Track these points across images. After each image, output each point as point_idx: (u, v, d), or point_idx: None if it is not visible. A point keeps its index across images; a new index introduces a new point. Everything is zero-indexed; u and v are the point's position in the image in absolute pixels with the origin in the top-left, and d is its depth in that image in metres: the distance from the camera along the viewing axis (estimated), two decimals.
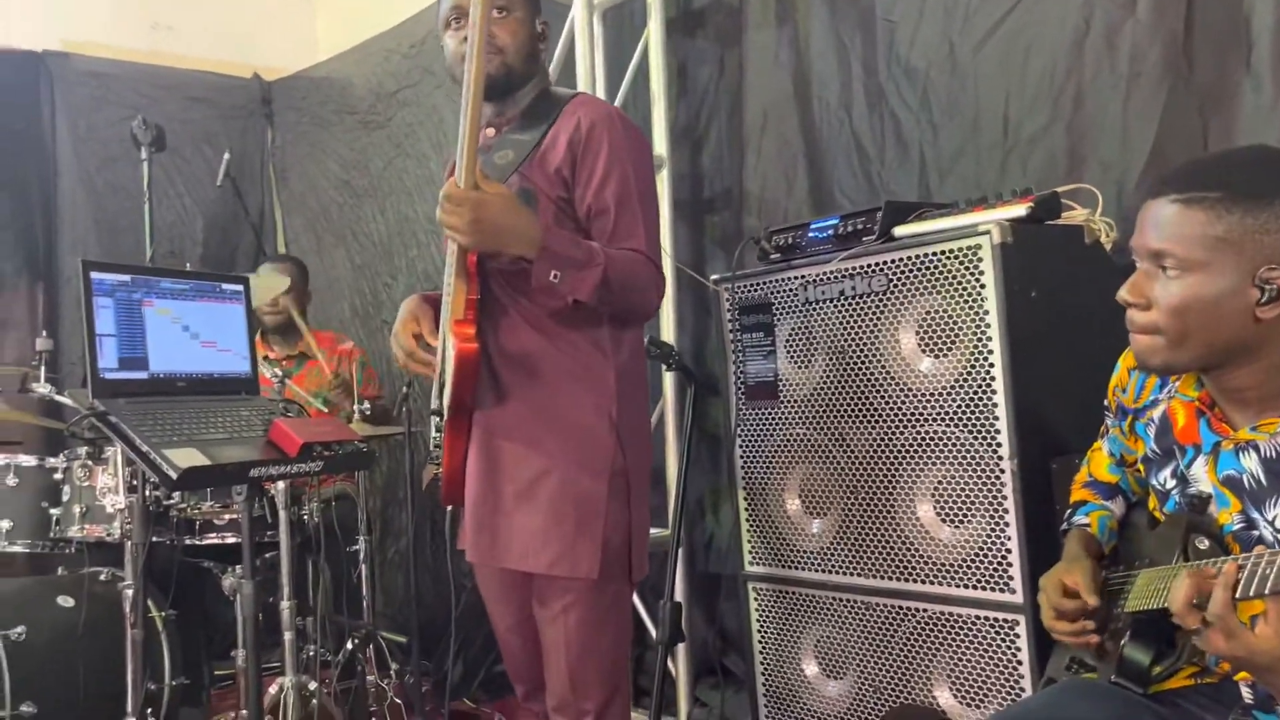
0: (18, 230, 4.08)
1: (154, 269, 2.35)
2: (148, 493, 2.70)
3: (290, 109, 4.56)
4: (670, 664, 2.83)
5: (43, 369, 2.82)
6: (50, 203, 4.12)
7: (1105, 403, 1.57)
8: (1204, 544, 1.28)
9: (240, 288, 2.44)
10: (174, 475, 1.90)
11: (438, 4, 1.99)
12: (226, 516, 3.05)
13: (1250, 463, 1.28)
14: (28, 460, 3.00)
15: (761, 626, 2.41)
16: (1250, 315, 1.19)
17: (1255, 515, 1.27)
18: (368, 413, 3.36)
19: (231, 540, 3.03)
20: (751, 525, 2.41)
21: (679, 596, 2.68)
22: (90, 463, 2.94)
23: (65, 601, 2.82)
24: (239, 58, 4.41)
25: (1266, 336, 1.22)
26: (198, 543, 3.08)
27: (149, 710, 2.69)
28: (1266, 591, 1.04)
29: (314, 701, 2.90)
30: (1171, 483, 1.40)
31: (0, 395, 3.12)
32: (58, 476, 2.96)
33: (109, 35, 4.26)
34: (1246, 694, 1.31)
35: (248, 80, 4.26)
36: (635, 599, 2.50)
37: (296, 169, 4.56)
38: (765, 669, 2.40)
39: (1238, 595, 1.06)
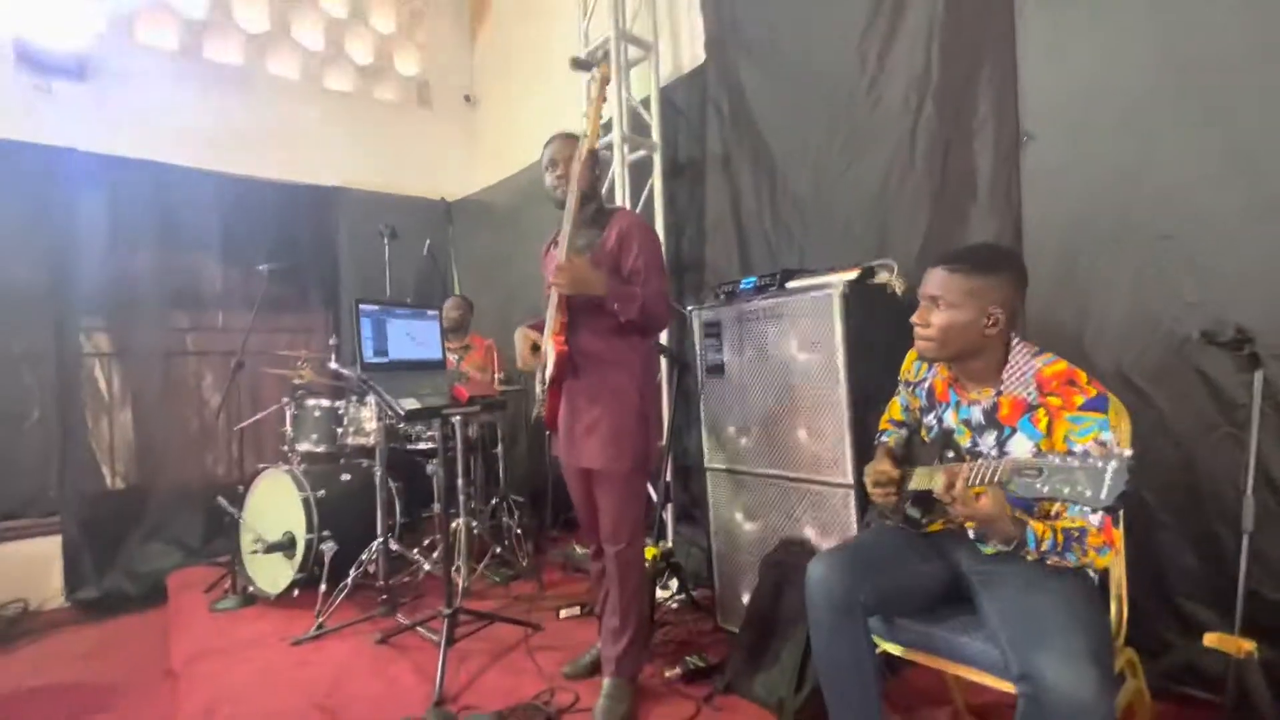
0: (320, 282, 4.24)
1: (391, 301, 2.48)
2: (387, 421, 2.84)
3: (461, 215, 4.66)
4: (664, 513, 2.90)
5: (333, 354, 2.95)
6: (335, 266, 4.25)
7: (898, 377, 1.59)
8: (950, 455, 1.34)
9: (436, 313, 2.53)
10: (403, 412, 2.08)
11: (541, 156, 1.99)
12: (428, 433, 3.18)
13: (975, 412, 1.35)
14: (325, 402, 3.12)
15: (714, 494, 2.38)
16: (981, 332, 1.29)
17: (978, 440, 1.34)
18: (503, 379, 3.48)
19: (430, 446, 3.16)
20: (709, 440, 2.39)
21: (668, 478, 2.78)
22: (358, 404, 3.07)
23: (346, 476, 2.97)
24: (433, 189, 4.51)
25: (987, 344, 1.30)
26: (413, 447, 3.21)
27: (389, 534, 2.79)
28: (983, 481, 1.12)
29: (475, 531, 3.08)
30: (933, 423, 1.44)
31: (310, 367, 3.20)
32: (340, 412, 3.08)
33: (364, 177, 4.40)
34: (971, 534, 1.36)
35: (438, 200, 4.42)
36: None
37: (465, 248, 4.65)
38: (715, 516, 2.38)
39: (969, 483, 1.14)
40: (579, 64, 2.43)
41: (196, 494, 3.61)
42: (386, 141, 4.59)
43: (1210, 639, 1.46)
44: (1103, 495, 0.90)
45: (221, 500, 2.90)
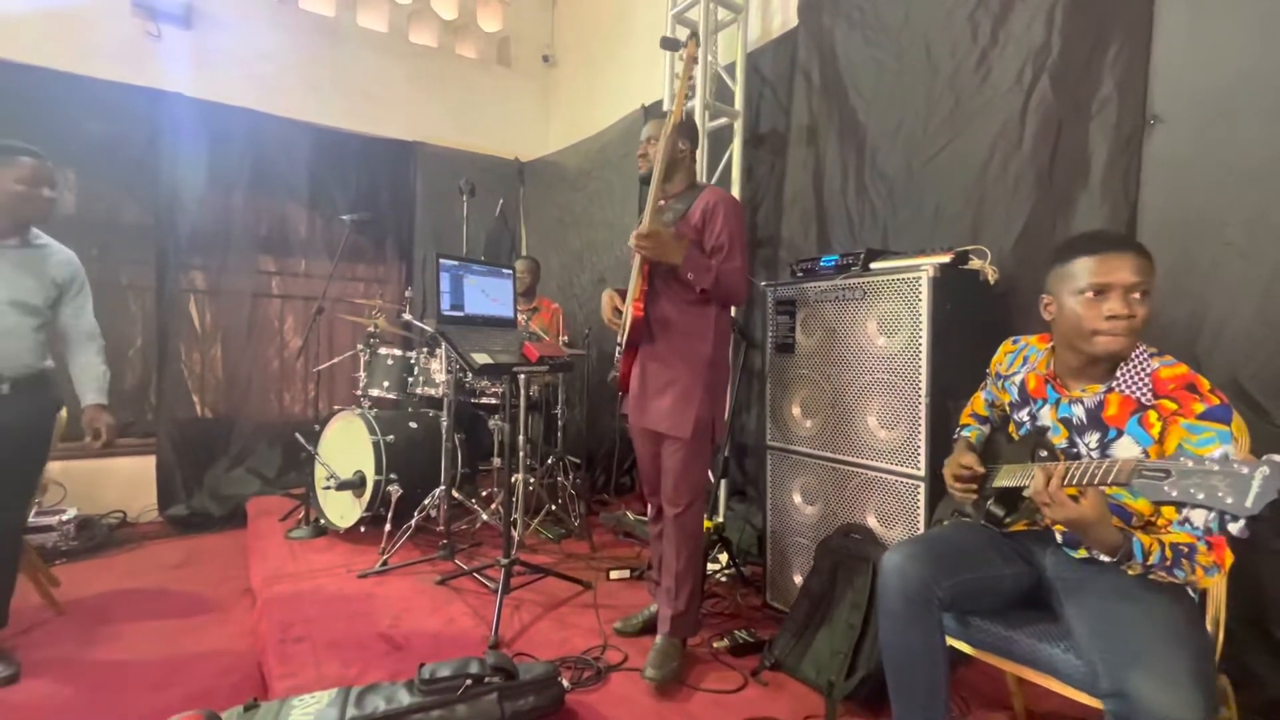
0: (396, 236, 4.31)
1: (468, 258, 2.51)
2: (457, 374, 2.90)
3: (533, 176, 4.54)
4: (719, 489, 2.87)
5: (407, 306, 3.04)
6: (412, 220, 4.31)
7: (987, 370, 1.52)
8: (1044, 454, 1.27)
9: (511, 271, 2.55)
10: (476, 366, 2.13)
11: (641, 127, 2.02)
12: (492, 389, 3.22)
13: (1077, 410, 1.26)
14: (397, 352, 3.21)
15: (772, 474, 2.33)
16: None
17: (1076, 440, 1.26)
18: (566, 342, 3.50)
19: (494, 401, 3.22)
20: (772, 420, 2.33)
21: (725, 453, 2.76)
22: (429, 355, 3.14)
23: (413, 424, 3.06)
24: (507, 148, 4.50)
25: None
26: (479, 401, 3.27)
27: (451, 483, 2.86)
28: (1095, 481, 1.06)
29: (531, 487, 3.13)
30: (1025, 419, 1.37)
31: (384, 317, 3.28)
32: (411, 362, 3.17)
33: (443, 133, 4.44)
34: (1059, 536, 1.30)
35: (512, 160, 4.40)
36: None
37: (535, 209, 4.57)
38: (772, 495, 2.34)
39: (1070, 482, 1.08)
40: (668, 43, 2.38)
41: (275, 428, 3.83)
42: (465, 98, 4.62)
43: None
44: (1248, 503, 0.84)
45: (299, 436, 3.05)
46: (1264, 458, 0.85)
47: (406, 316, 2.98)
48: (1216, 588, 1.24)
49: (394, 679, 1.64)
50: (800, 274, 2.26)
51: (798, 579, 2.18)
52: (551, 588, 2.49)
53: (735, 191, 3.06)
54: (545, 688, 1.65)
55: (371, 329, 3.28)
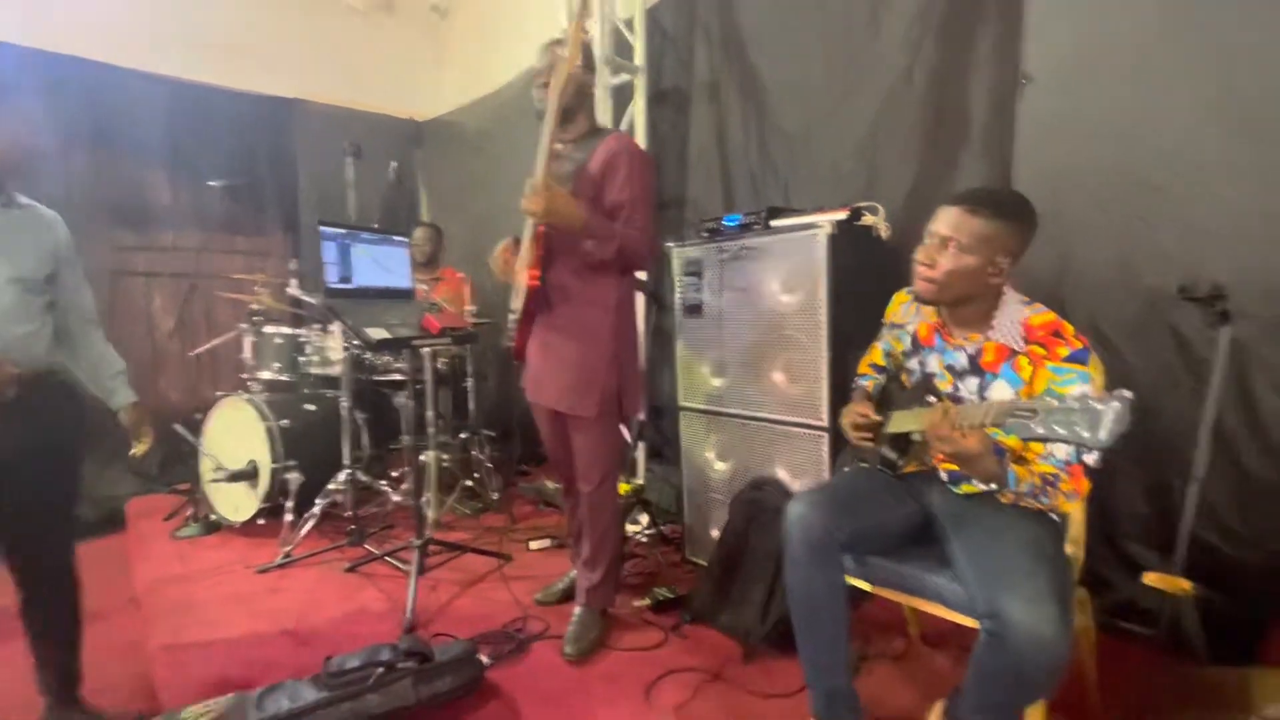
0: (278, 202, 3.97)
1: (356, 225, 2.34)
2: (353, 351, 2.74)
3: (431, 137, 4.39)
4: (637, 451, 2.93)
5: (294, 280, 2.83)
6: (294, 186, 3.97)
7: (882, 320, 1.56)
8: (930, 399, 1.33)
9: (405, 239, 2.43)
10: (372, 341, 2.01)
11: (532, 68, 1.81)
12: (395, 365, 3.06)
13: (960, 357, 1.33)
14: (286, 330, 3.02)
15: (686, 434, 2.37)
16: (985, 280, 1.24)
17: (959, 385, 1.33)
18: (475, 312, 3.38)
19: (399, 378, 3.06)
20: (684, 380, 2.35)
21: (641, 416, 2.78)
22: (323, 332, 2.96)
23: (310, 406, 2.91)
24: (400, 106, 4.22)
25: (987, 291, 1.27)
26: (380, 378, 3.12)
27: (356, 465, 2.76)
28: (974, 423, 1.10)
29: (444, 464, 3.05)
30: (915, 367, 1.43)
31: (269, 292, 3.08)
32: (303, 340, 2.99)
33: (325, 90, 4.08)
34: (944, 475, 1.38)
35: (406, 120, 4.15)
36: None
37: (435, 172, 4.39)
38: (687, 455, 2.37)
39: (958, 424, 1.12)
40: None
41: (152, 420, 3.47)
42: (349, 52, 4.25)
43: (1151, 578, 1.56)
44: (1102, 435, 0.90)
45: (179, 427, 2.79)
46: (1114, 393, 0.92)
47: (293, 291, 2.76)
48: (1077, 512, 1.37)
49: (300, 677, 1.56)
50: (705, 234, 2.26)
51: (715, 534, 2.23)
52: (470, 564, 2.44)
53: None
54: (463, 666, 1.62)
55: (255, 306, 3.04)
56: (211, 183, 2.95)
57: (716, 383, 2.27)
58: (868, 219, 2.02)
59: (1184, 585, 1.51)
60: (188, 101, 3.61)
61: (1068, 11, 1.85)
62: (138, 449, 1.68)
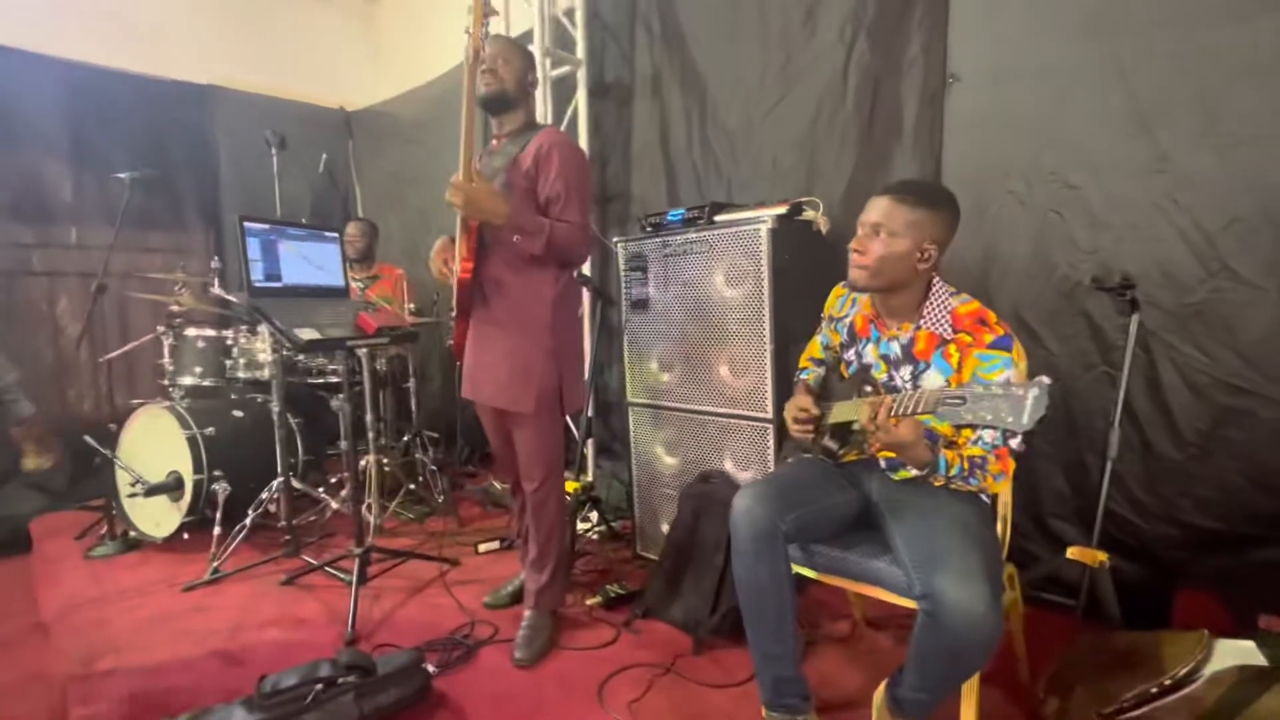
0: (197, 196, 3.76)
1: (283, 221, 2.23)
2: (284, 353, 2.60)
3: (362, 128, 4.26)
4: (586, 448, 2.89)
5: (216, 279, 2.67)
6: (215, 179, 3.76)
7: (821, 314, 1.60)
8: (868, 389, 1.36)
9: (336, 235, 2.33)
10: (301, 343, 1.92)
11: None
12: (331, 366, 2.97)
13: (894, 346, 1.37)
14: (209, 332, 2.84)
15: (635, 429, 2.37)
16: (913, 266, 1.28)
17: (894, 374, 1.37)
18: (413, 310, 3.28)
19: (335, 380, 2.97)
20: (632, 376, 2.35)
21: (589, 413, 2.73)
22: (249, 334, 2.82)
23: (238, 413, 2.75)
24: (329, 95, 4.03)
25: (915, 279, 1.31)
26: (315, 381, 3.00)
27: (290, 473, 2.63)
28: (908, 412, 1.14)
29: (386, 468, 2.96)
30: (853, 358, 1.46)
31: (189, 292, 2.89)
32: (229, 342, 2.82)
33: (246, 76, 3.85)
34: (883, 463, 1.42)
35: (336, 110, 3.97)
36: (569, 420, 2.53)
37: (368, 165, 4.27)
38: (636, 451, 2.38)
39: (893, 413, 1.16)
40: None
41: (59, 433, 3.21)
42: (272, 36, 4.04)
43: (1072, 552, 1.65)
44: (1024, 420, 0.94)
45: (89, 439, 2.59)
46: (1035, 380, 0.97)
47: (216, 291, 2.59)
48: (1004, 492, 1.44)
49: (231, 699, 1.47)
50: (649, 229, 2.25)
51: (665, 528, 2.24)
52: (415, 571, 2.36)
53: (583, 144, 2.97)
54: (409, 677, 1.57)
55: (175, 307, 2.84)
56: (119, 175, 2.74)
57: (664, 377, 2.28)
58: (808, 213, 2.07)
59: (1100, 557, 1.61)
60: (88, 87, 3.34)
61: (988, 14, 1.94)
62: (33, 463, 1.52)
